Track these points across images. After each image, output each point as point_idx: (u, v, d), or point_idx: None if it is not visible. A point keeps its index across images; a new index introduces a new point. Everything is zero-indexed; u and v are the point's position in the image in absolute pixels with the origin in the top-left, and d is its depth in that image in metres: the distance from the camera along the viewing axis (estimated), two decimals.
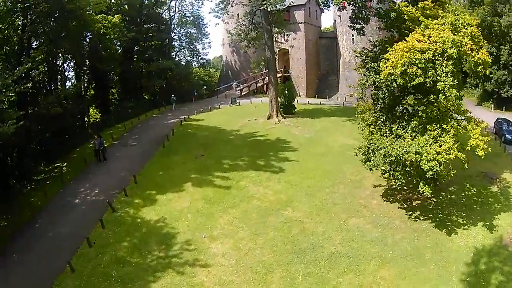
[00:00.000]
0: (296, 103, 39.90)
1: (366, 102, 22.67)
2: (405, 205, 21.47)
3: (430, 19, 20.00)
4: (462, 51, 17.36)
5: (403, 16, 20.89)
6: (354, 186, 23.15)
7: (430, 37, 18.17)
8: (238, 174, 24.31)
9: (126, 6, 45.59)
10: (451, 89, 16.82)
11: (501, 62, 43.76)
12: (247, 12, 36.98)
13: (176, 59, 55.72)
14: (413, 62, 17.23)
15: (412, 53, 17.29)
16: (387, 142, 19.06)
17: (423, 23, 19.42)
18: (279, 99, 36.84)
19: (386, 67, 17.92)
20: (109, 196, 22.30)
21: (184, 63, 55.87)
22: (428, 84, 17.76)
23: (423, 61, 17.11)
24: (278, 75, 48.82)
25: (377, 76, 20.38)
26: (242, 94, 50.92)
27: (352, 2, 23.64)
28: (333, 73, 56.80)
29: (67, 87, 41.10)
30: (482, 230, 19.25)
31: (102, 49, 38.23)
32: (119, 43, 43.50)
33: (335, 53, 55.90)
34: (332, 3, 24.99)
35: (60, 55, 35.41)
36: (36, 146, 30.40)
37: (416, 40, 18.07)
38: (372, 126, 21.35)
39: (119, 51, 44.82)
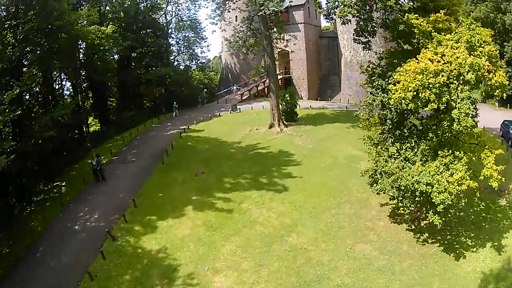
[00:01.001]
0: (298, 108, 38.83)
1: (373, 116, 21.56)
2: (413, 226, 20.80)
3: (443, 33, 18.64)
4: (479, 75, 16.08)
5: (413, 29, 19.43)
6: (360, 206, 22.42)
7: (444, 55, 16.85)
8: (240, 195, 23.60)
9: (121, 13, 44.68)
10: (466, 117, 15.69)
11: (504, 59, 42.73)
12: (244, 18, 35.91)
13: (175, 64, 54.84)
14: (426, 86, 16.00)
15: (425, 76, 16.05)
16: (396, 167, 18.20)
17: (435, 38, 18.01)
18: (280, 106, 35.96)
19: (397, 90, 16.66)
20: (108, 222, 21.85)
21: (183, 67, 54.96)
22: (442, 107, 16.53)
23: (437, 85, 15.86)
24: (279, 77, 47.89)
25: (385, 95, 19.25)
26: (243, 98, 50.02)
27: (357, 14, 22.21)
28: (335, 73, 55.84)
29: (65, 97, 40.59)
30: (490, 252, 18.66)
31: (97, 59, 37.35)
32: (115, 51, 42.60)
33: (336, 52, 54.88)
34: (335, 15, 23.49)
35: (54, 69, 34.59)
36: (33, 165, 29.78)
37: (428, 59, 16.81)
38: (379, 146, 20.41)
39: (115, 60, 43.95)
